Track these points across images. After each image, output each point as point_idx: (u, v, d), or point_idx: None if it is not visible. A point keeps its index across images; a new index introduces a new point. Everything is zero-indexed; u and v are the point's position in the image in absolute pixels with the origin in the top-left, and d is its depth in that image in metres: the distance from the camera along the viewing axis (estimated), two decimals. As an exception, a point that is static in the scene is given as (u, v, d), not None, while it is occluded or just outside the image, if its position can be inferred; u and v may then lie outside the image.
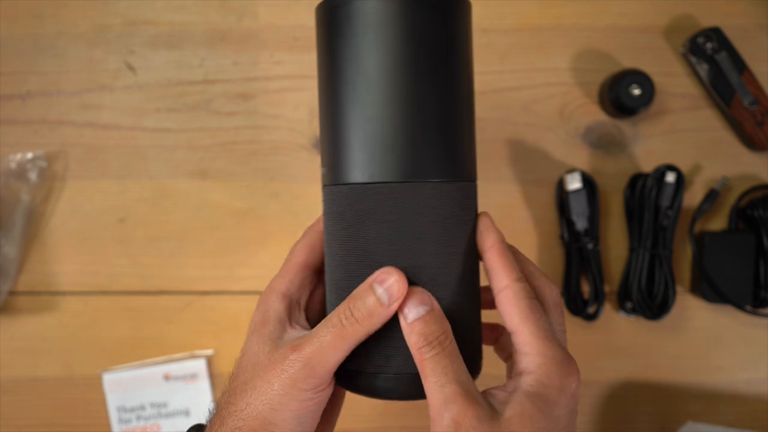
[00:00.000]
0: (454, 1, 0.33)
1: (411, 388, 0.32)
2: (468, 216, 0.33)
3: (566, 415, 0.30)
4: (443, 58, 0.32)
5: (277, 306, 0.35)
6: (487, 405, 0.29)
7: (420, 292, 0.31)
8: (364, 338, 0.31)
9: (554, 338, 0.31)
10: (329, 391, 0.32)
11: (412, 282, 0.31)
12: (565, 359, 0.31)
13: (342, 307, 0.31)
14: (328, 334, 0.31)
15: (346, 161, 0.32)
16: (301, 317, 0.35)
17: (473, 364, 0.33)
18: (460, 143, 0.33)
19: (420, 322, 0.30)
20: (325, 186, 0.34)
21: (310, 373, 0.31)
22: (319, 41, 0.34)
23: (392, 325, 0.31)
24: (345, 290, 0.32)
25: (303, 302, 0.36)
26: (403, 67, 0.31)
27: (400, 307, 0.30)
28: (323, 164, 0.34)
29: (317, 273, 0.37)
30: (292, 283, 0.36)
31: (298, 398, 0.31)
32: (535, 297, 0.32)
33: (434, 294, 0.31)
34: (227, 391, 0.33)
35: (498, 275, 0.32)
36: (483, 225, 0.33)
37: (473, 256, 0.33)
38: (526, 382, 0.30)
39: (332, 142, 0.33)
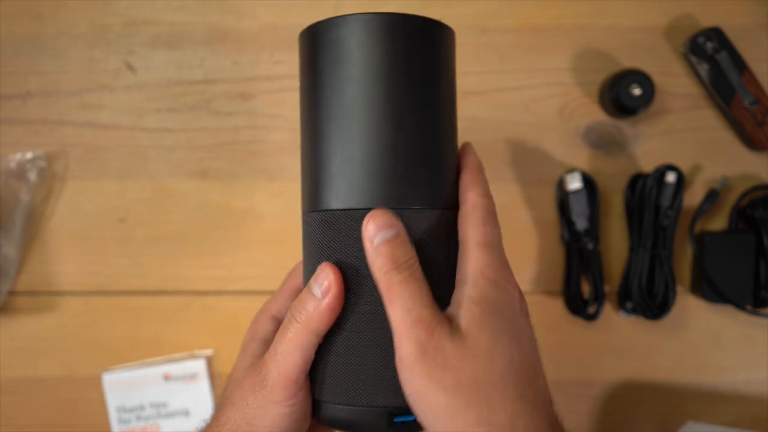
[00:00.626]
0: (437, 31, 0.32)
1: (380, 423, 0.31)
2: (447, 243, 0.32)
3: (519, 315, 0.30)
4: (425, 89, 0.31)
5: (265, 326, 0.36)
6: (449, 324, 0.29)
7: (384, 214, 0.30)
8: (315, 339, 0.31)
9: (498, 249, 0.31)
10: (303, 407, 0.32)
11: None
12: (502, 265, 0.31)
13: (288, 314, 0.32)
14: (280, 343, 0.31)
15: (325, 188, 0.32)
16: None
17: None
18: (441, 171, 0.32)
19: (387, 246, 0.29)
20: (304, 213, 0.34)
21: (275, 384, 0.31)
22: (302, 67, 0.33)
23: (354, 356, 0.31)
24: None
25: None
26: (384, 97, 0.31)
27: (364, 228, 0.30)
28: (302, 191, 0.34)
29: None
30: (284, 306, 0.36)
31: (271, 412, 0.31)
32: (495, 215, 0.32)
33: None
34: (216, 405, 0.34)
35: (465, 189, 0.32)
36: (464, 150, 0.34)
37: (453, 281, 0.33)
38: (468, 289, 0.30)
39: (311, 169, 0.33)
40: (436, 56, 0.32)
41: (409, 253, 0.30)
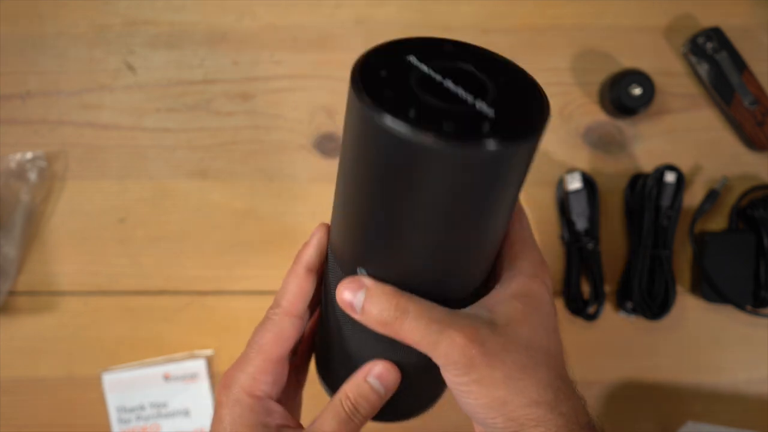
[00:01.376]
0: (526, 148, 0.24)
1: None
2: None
3: (552, 308, 0.31)
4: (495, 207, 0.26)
5: (257, 411, 0.32)
6: (480, 322, 0.29)
7: (350, 281, 0.29)
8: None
9: (535, 244, 0.32)
10: None
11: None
12: (541, 260, 0.32)
13: (345, 403, 0.32)
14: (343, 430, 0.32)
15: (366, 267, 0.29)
16: (287, 415, 0.34)
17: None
18: (482, 277, 0.31)
19: (369, 304, 0.28)
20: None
21: None
22: (350, 143, 0.26)
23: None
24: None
25: (279, 395, 0.34)
26: (444, 221, 0.26)
27: (341, 302, 0.29)
28: (342, 263, 0.31)
29: (288, 360, 0.34)
30: (267, 383, 0.33)
31: None
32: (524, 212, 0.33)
33: None
34: None
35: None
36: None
37: None
38: (512, 284, 0.30)
39: (353, 250, 0.29)
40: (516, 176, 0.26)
41: (394, 295, 0.28)
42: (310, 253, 0.33)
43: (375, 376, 0.32)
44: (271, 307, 0.34)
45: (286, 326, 0.33)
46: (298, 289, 0.33)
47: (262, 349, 0.33)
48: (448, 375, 0.29)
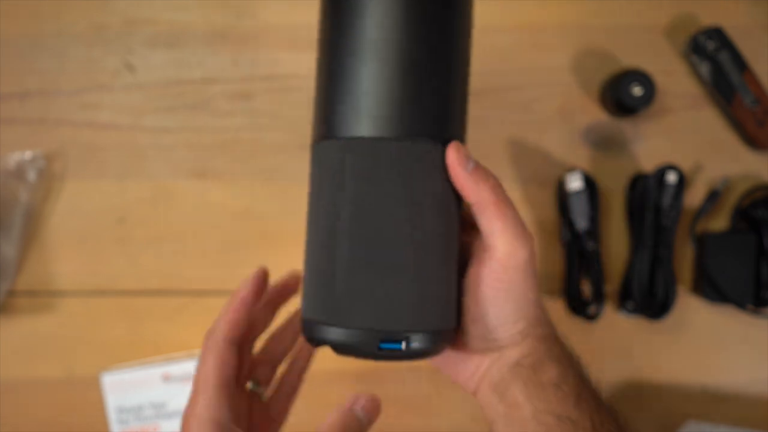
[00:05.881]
0: None
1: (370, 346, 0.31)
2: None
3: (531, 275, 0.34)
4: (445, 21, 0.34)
5: None
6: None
7: (464, 146, 0.32)
8: None
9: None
10: None
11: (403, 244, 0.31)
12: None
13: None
14: None
15: (342, 116, 0.31)
16: None
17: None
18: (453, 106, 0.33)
19: (482, 169, 0.31)
20: (316, 143, 0.33)
21: None
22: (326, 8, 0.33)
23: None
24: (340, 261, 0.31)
25: (234, 419, 0.34)
26: (404, 30, 0.32)
27: (454, 156, 0.31)
28: (317, 122, 0.33)
29: (237, 383, 0.35)
30: (221, 408, 0.33)
31: None
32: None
33: (423, 256, 0.30)
34: None
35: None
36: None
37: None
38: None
39: (329, 97, 0.32)
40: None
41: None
42: (245, 298, 0.36)
43: (356, 406, 0.32)
44: (206, 338, 0.35)
45: (224, 349, 0.34)
46: (234, 316, 0.35)
47: (206, 376, 0.33)
48: (508, 261, 0.31)
